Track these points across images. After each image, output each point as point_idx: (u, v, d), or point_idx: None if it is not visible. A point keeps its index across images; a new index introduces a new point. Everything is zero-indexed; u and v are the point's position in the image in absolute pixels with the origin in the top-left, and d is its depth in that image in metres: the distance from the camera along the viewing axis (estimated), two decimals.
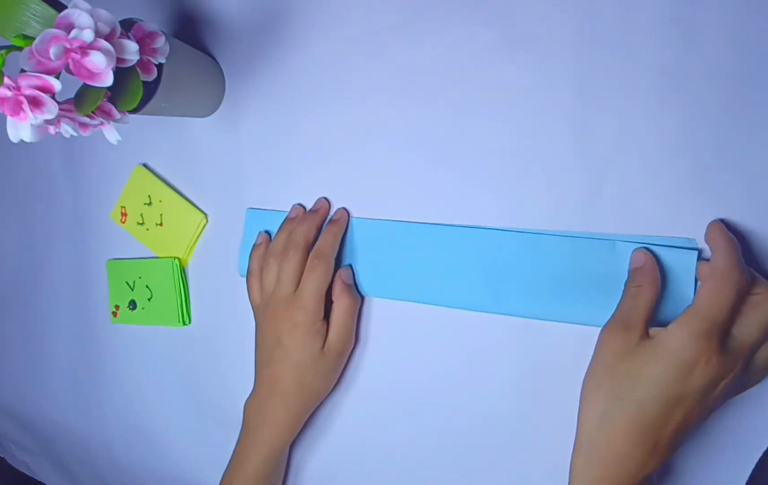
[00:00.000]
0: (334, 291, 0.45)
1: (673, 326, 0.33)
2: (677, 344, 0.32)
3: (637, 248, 0.37)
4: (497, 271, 0.41)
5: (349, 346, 0.46)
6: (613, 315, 0.36)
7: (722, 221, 0.35)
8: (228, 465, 0.48)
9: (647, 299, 0.34)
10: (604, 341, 0.35)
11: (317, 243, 0.45)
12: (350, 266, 0.46)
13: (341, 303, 0.45)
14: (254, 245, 0.49)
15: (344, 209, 0.46)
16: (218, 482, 0.49)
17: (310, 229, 0.45)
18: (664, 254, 0.36)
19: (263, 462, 0.46)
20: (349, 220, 0.46)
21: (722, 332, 0.32)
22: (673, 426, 0.33)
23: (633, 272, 0.36)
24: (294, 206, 0.48)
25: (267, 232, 0.49)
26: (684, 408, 0.32)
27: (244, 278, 0.50)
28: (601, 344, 0.35)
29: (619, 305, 0.36)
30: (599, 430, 0.34)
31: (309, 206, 0.48)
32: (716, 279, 0.32)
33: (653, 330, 0.34)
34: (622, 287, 0.36)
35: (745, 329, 0.32)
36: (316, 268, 0.43)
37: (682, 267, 0.36)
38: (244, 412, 0.47)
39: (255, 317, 0.48)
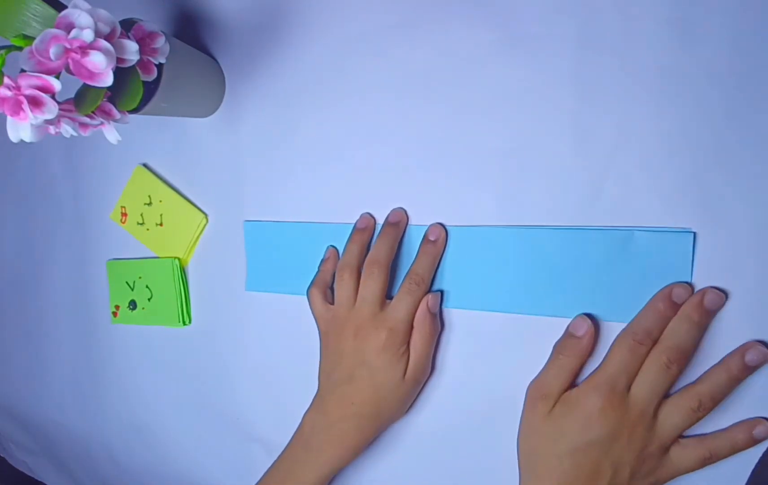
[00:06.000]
0: (417, 317, 0.43)
1: (582, 385, 0.38)
2: (582, 400, 0.37)
3: (580, 314, 0.39)
4: (550, 270, 0.40)
5: (425, 375, 0.44)
6: (539, 375, 0.40)
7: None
8: (269, 474, 0.45)
9: (571, 371, 0.38)
10: (528, 405, 0.40)
11: (414, 265, 0.43)
12: (441, 291, 0.44)
13: (424, 330, 0.42)
14: (323, 259, 0.47)
15: (441, 226, 0.43)
16: (218, 481, 0.49)
17: (394, 246, 0.44)
18: (660, 239, 0.37)
19: (318, 482, 0.43)
20: (446, 243, 0.43)
21: (618, 389, 0.36)
22: (585, 476, 0.36)
23: (568, 339, 0.39)
24: (363, 215, 0.46)
25: (334, 246, 0.48)
26: (591, 458, 0.36)
27: (251, 292, 0.51)
28: (526, 405, 0.40)
29: (545, 367, 0.40)
30: (529, 480, 0.39)
31: (306, 206, 0.48)
32: (618, 341, 0.37)
33: (570, 391, 0.38)
34: (634, 279, 0.38)
35: (641, 385, 0.36)
36: (412, 292, 0.42)
37: (678, 251, 0.36)
38: (303, 424, 0.45)
39: (321, 329, 0.46)
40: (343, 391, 0.43)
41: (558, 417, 0.38)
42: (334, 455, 0.43)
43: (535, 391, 0.39)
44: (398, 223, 0.44)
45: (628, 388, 0.36)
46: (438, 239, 0.43)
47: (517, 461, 0.40)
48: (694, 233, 0.36)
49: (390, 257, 0.43)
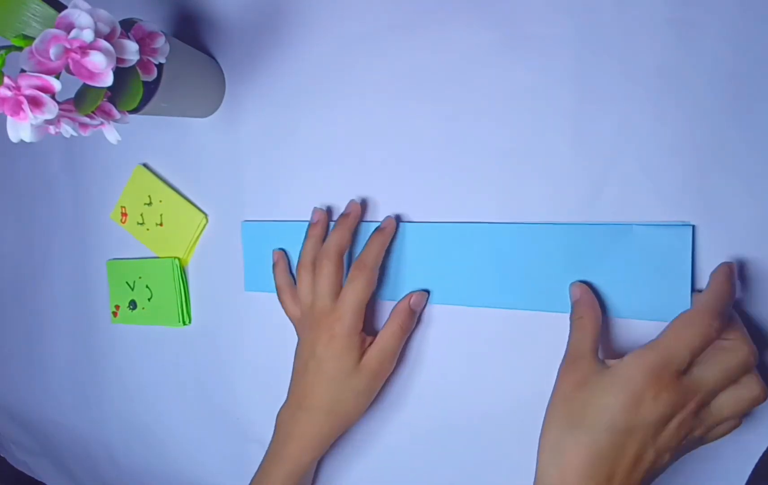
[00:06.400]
0: (396, 308, 0.43)
1: (629, 357, 0.32)
2: (629, 374, 0.32)
3: (573, 282, 0.39)
4: (536, 266, 0.40)
5: (387, 368, 0.43)
6: (565, 352, 0.37)
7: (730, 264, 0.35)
8: (255, 474, 0.46)
9: (591, 327, 0.36)
10: (561, 376, 0.36)
11: (362, 254, 0.43)
12: (427, 292, 0.44)
13: (395, 323, 0.43)
14: (273, 264, 0.48)
15: (392, 217, 0.44)
16: (217, 481, 0.49)
17: (344, 236, 0.43)
18: (659, 233, 0.37)
19: (286, 478, 0.43)
20: (397, 229, 0.44)
21: (676, 371, 0.31)
22: (627, 462, 0.32)
23: (573, 306, 0.38)
24: (315, 209, 0.47)
25: (282, 249, 0.49)
26: (635, 442, 0.31)
27: (250, 292, 0.51)
28: (558, 379, 0.36)
29: (568, 339, 0.37)
30: (551, 464, 0.33)
31: (306, 206, 0.48)
32: (687, 320, 0.32)
33: (610, 361, 0.34)
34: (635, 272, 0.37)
35: (705, 371, 0.32)
36: (357, 279, 0.41)
37: (677, 244, 0.36)
38: (276, 421, 0.46)
39: (296, 331, 0.47)
40: (298, 383, 0.44)
41: (595, 386, 0.33)
42: (294, 449, 0.44)
43: (566, 362, 0.36)
44: (350, 214, 0.45)
45: (684, 370, 0.32)
46: (386, 228, 0.44)
47: (507, 461, 0.39)
48: (693, 226, 0.36)
49: (341, 247, 0.43)
